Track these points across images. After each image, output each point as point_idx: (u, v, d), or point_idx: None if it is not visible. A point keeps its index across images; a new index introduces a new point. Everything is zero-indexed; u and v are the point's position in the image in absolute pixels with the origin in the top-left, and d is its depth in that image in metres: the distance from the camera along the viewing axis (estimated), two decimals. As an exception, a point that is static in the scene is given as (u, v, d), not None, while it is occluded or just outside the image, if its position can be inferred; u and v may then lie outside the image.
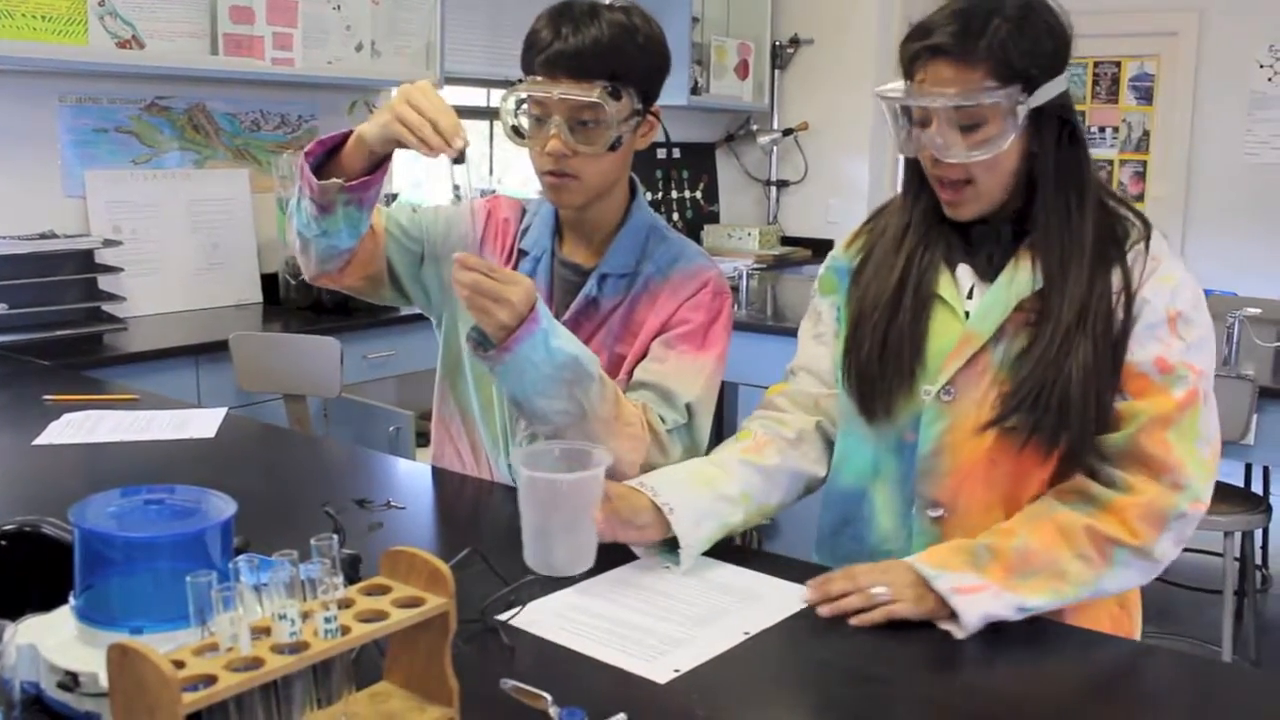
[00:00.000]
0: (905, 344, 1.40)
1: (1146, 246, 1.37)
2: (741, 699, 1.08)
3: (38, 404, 2.11)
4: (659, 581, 1.34)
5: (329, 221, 1.49)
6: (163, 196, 3.31)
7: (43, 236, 2.95)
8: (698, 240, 5.30)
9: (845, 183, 5.52)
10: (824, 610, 1.25)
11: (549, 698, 1.00)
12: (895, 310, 1.42)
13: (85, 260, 2.99)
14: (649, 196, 5.80)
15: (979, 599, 1.22)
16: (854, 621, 1.23)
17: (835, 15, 5.42)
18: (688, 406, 1.57)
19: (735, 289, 4.05)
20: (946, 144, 1.34)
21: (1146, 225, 1.39)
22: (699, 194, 5.44)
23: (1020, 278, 1.37)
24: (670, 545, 1.38)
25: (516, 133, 1.60)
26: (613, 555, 1.39)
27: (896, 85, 1.40)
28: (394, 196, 3.63)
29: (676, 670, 1.12)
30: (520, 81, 1.58)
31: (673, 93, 5.15)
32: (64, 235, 3.00)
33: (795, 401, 1.54)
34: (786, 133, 5.48)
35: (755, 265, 4.55)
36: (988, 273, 1.41)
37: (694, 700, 1.07)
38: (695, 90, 4.94)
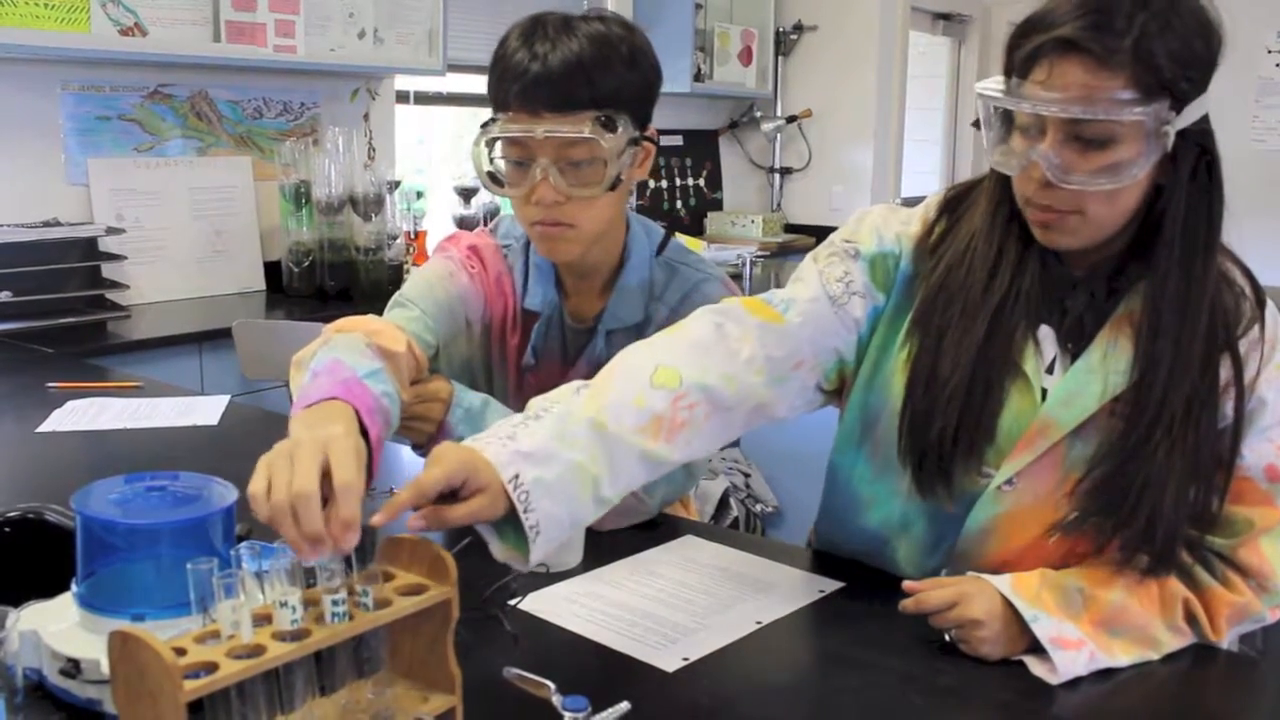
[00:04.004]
0: (980, 424, 1.19)
1: (1262, 329, 1.18)
2: (748, 688, 1.08)
3: (41, 391, 2.11)
4: (674, 570, 1.33)
5: None
6: (165, 184, 3.31)
7: (46, 224, 2.94)
8: (700, 229, 5.29)
9: (849, 170, 5.50)
10: (909, 604, 1.14)
11: (552, 685, 1.00)
12: (974, 382, 1.19)
13: (89, 248, 2.98)
14: (652, 184, 5.74)
15: (1076, 660, 1.10)
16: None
17: (839, 1, 5.39)
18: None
19: (738, 277, 4.04)
20: (1065, 164, 1.10)
21: (1259, 294, 1.19)
22: (702, 181, 5.42)
23: (1115, 359, 1.17)
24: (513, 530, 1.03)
25: (494, 180, 1.41)
26: (628, 543, 1.38)
27: (995, 81, 1.15)
28: (397, 184, 3.61)
29: (685, 659, 1.12)
30: (493, 121, 1.37)
31: (676, 80, 5.13)
32: (67, 223, 2.99)
33: (771, 350, 1.20)
34: (790, 120, 5.47)
35: (759, 253, 4.54)
36: (1072, 337, 1.21)
37: (700, 689, 1.07)
38: (698, 77, 4.91)
